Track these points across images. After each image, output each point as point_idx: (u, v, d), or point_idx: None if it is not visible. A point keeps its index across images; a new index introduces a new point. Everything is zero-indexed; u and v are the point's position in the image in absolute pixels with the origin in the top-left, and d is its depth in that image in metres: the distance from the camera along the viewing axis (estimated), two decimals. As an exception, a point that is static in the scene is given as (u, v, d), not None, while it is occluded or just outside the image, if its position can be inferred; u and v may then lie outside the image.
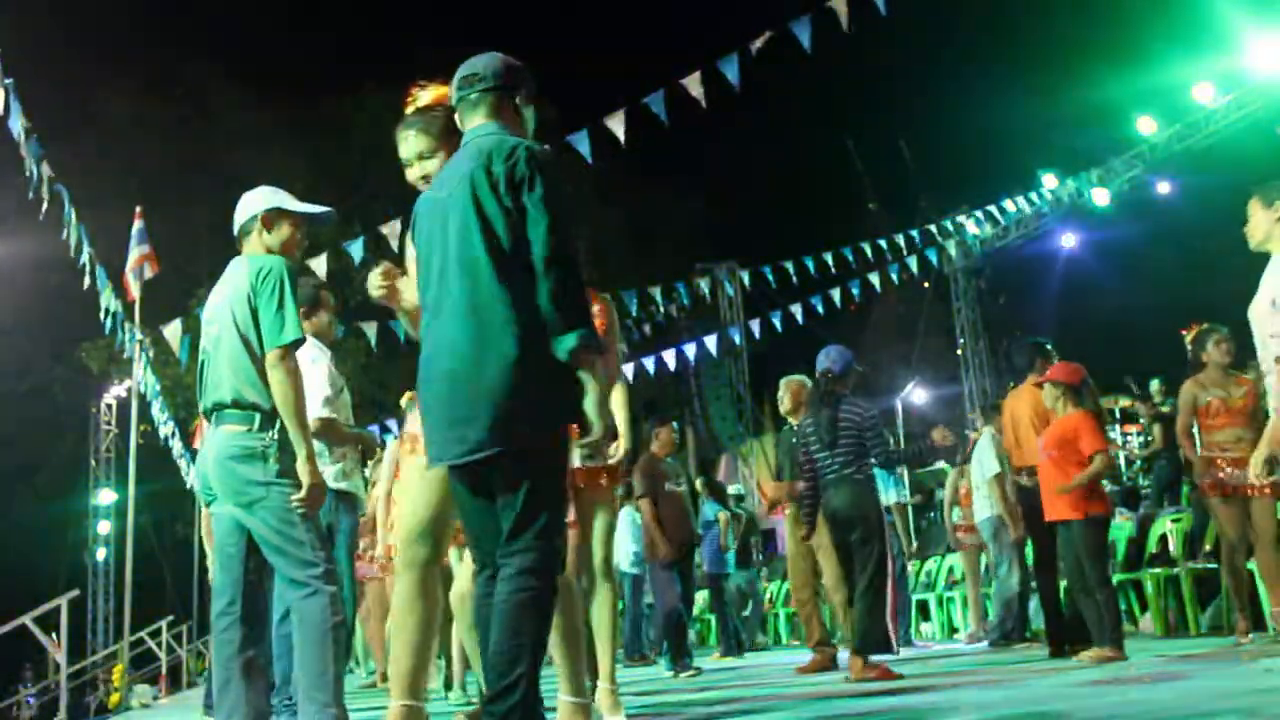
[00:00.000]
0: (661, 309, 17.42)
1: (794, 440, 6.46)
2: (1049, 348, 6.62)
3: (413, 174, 3.22)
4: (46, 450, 25.25)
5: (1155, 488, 10.59)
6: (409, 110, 3.24)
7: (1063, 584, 6.27)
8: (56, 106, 18.96)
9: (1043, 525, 5.97)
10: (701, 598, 11.58)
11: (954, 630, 10.32)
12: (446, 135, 3.18)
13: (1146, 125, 15.92)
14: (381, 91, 19.68)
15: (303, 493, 3.37)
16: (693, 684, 6.58)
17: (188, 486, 16.17)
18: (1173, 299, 18.21)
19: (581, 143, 9.47)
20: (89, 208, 10.82)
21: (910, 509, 12.76)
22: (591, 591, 4.07)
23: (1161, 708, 3.47)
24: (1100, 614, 5.53)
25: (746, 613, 11.47)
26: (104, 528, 24.48)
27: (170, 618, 16.41)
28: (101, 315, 10.85)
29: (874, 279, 16.36)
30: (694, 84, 9.36)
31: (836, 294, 16.37)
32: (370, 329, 12.39)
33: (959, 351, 20.92)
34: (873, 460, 5.68)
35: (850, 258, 15.93)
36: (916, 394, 22.56)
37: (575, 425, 2.71)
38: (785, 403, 7.10)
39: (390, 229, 10.30)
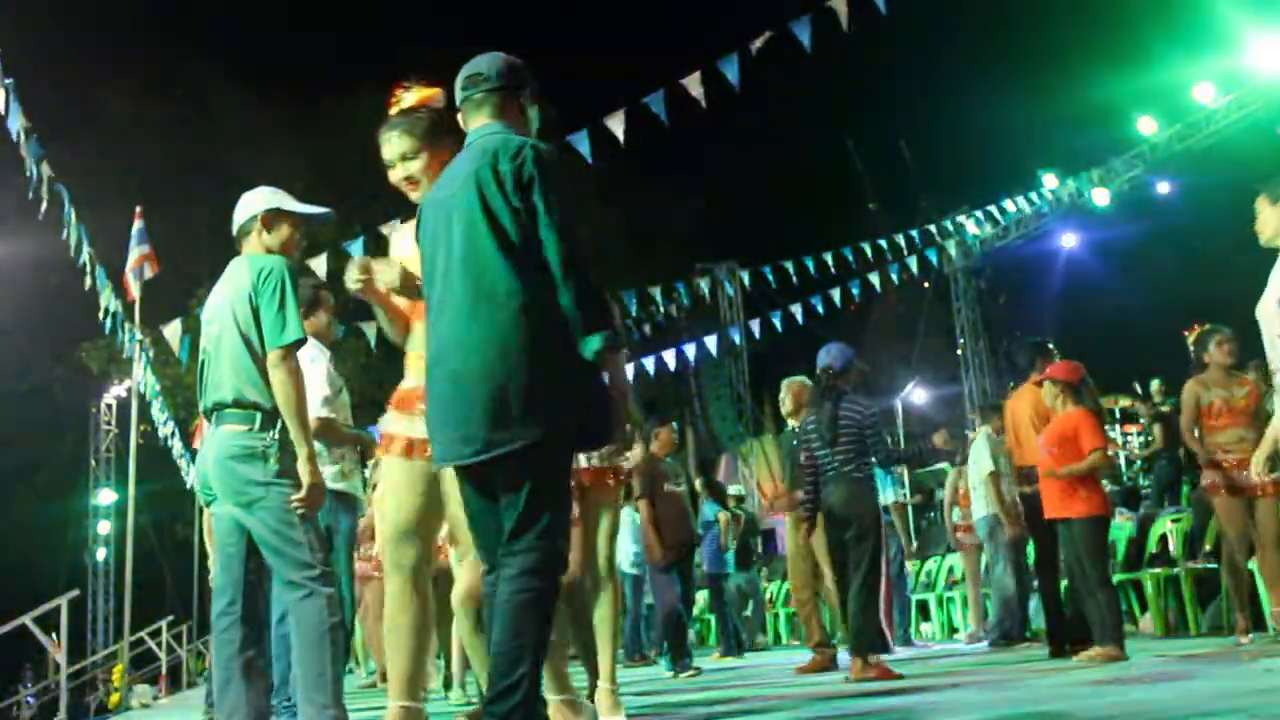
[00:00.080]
0: (661, 309, 17.42)
1: (794, 441, 6.46)
2: (1050, 347, 6.62)
3: (395, 175, 3.23)
4: (46, 450, 25.26)
5: (1155, 488, 10.59)
6: (393, 112, 3.24)
7: (1063, 583, 6.28)
8: (56, 106, 18.99)
9: (1044, 524, 5.98)
10: (701, 598, 11.58)
11: (954, 630, 10.32)
12: (430, 137, 3.19)
13: (1147, 125, 15.91)
14: (381, 91, 19.38)
15: (302, 492, 3.37)
16: (693, 684, 6.58)
17: (188, 486, 16.17)
18: (1173, 299, 18.22)
19: (581, 143, 9.46)
20: (89, 208, 10.82)
21: (910, 509, 12.76)
22: (594, 591, 4.07)
23: (1161, 708, 3.46)
24: (1102, 614, 5.54)
25: (747, 613, 11.48)
26: (104, 528, 24.49)
27: (170, 618, 16.41)
28: (101, 315, 10.85)
29: (874, 279, 16.36)
30: (694, 84, 9.35)
31: (836, 294, 16.37)
32: (370, 329, 12.38)
33: (959, 351, 20.92)
34: (873, 459, 5.68)
35: (850, 258, 15.93)
36: (916, 394, 22.56)
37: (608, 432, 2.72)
38: (787, 404, 7.10)
39: (390, 229, 10.29)
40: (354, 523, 5.03)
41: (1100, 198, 16.84)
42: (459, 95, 2.89)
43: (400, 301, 3.35)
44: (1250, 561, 6.06)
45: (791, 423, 7.05)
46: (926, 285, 22.60)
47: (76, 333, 20.50)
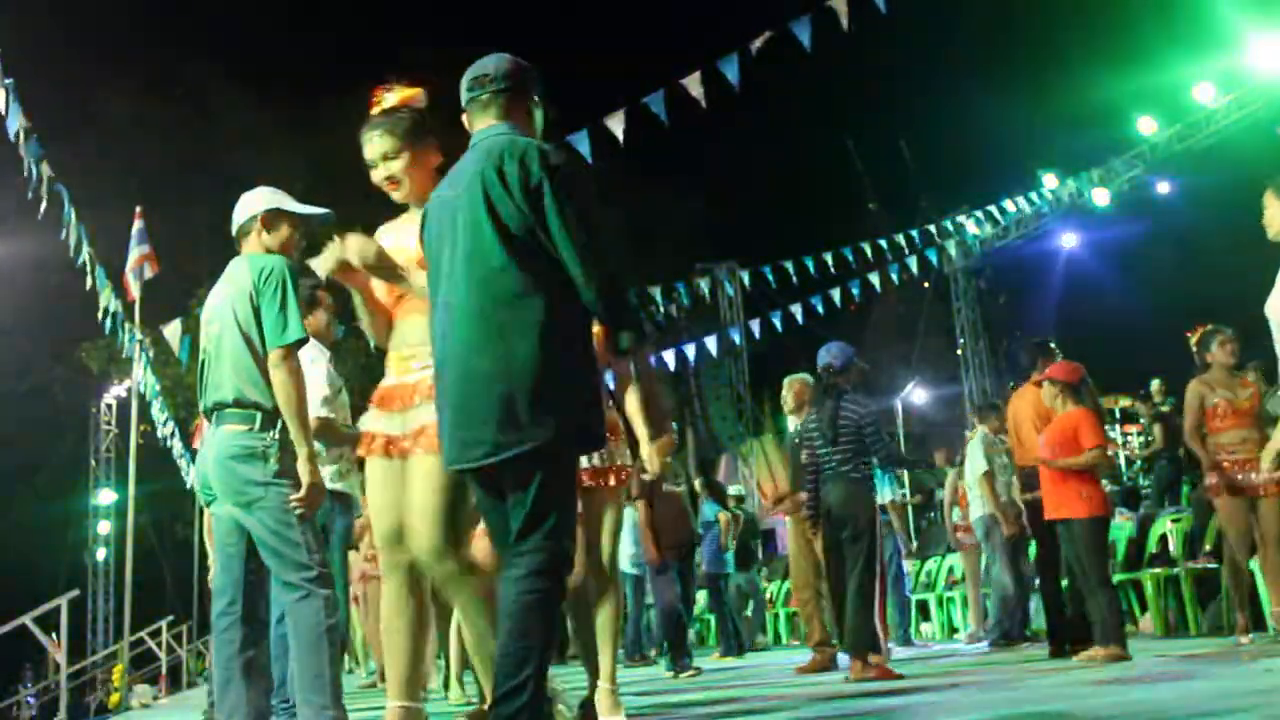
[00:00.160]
0: (661, 309, 17.41)
1: (796, 441, 6.47)
2: (1052, 346, 6.62)
3: (377, 175, 3.23)
4: (46, 450, 25.25)
5: (1155, 488, 10.60)
6: (374, 112, 3.23)
7: (1064, 583, 6.28)
8: (56, 106, 18.98)
9: (1047, 524, 5.98)
10: (701, 598, 11.58)
11: (954, 630, 10.32)
12: (412, 137, 3.18)
13: (1146, 125, 15.90)
14: (381, 92, 19.65)
15: (301, 492, 3.37)
16: (693, 684, 6.58)
17: (188, 486, 16.16)
18: (1173, 299, 18.20)
19: (581, 143, 9.47)
20: (89, 208, 10.82)
21: (910, 509, 12.76)
22: (596, 591, 4.06)
23: (1161, 708, 3.47)
24: (1103, 614, 5.54)
25: (747, 613, 11.47)
26: (104, 528, 24.48)
27: (170, 618, 16.41)
28: (101, 315, 10.85)
29: (874, 279, 16.38)
30: (694, 84, 9.36)
31: (836, 294, 16.38)
32: (371, 329, 12.37)
33: (959, 351, 20.90)
34: (872, 459, 5.68)
35: (850, 258, 15.95)
36: (916, 394, 22.54)
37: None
38: (789, 401, 7.11)
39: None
40: (349, 522, 5.04)
41: (1100, 198, 16.83)
42: (465, 96, 2.88)
43: (380, 292, 3.30)
44: (1250, 561, 6.07)
45: (794, 420, 7.06)
46: (926, 285, 22.58)
47: (76, 333, 20.48)
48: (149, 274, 9.97)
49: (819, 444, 5.75)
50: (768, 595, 12.99)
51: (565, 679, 3.89)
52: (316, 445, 3.92)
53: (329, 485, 4.43)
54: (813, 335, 14.29)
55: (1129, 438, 13.34)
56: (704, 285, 18.06)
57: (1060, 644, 6.18)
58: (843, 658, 6.27)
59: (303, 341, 3.46)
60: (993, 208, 17.74)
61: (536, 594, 2.56)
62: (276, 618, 3.87)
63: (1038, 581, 7.32)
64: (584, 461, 3.95)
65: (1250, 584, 6.17)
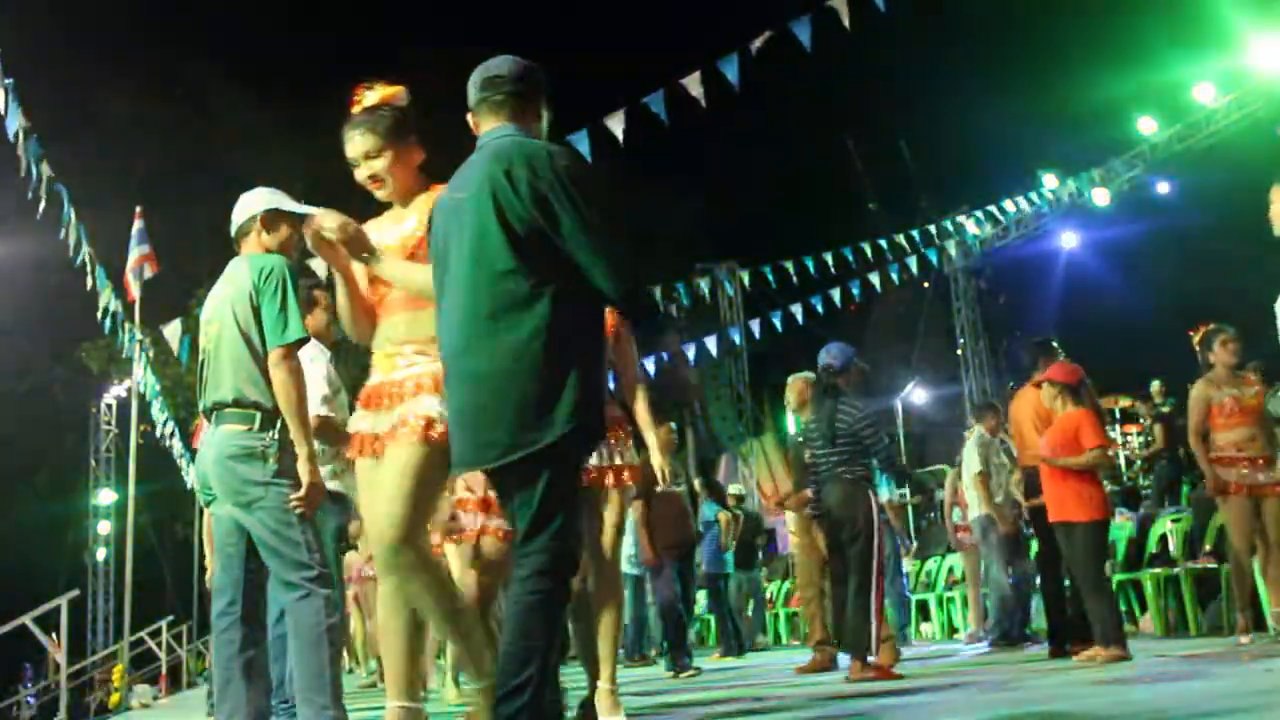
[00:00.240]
0: (661, 309, 17.41)
1: (800, 440, 6.48)
2: (1054, 345, 6.61)
3: (360, 175, 3.21)
4: (46, 450, 25.26)
5: (1155, 488, 10.59)
6: (355, 110, 3.21)
7: (1066, 582, 6.28)
8: (56, 106, 18.99)
9: (1049, 524, 5.99)
10: (701, 598, 11.59)
11: (954, 630, 10.31)
12: (393, 135, 3.17)
13: (1147, 125, 15.90)
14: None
15: (301, 492, 3.37)
16: (693, 684, 6.58)
17: (188, 486, 16.17)
18: (1173, 299, 18.20)
19: (581, 143, 9.46)
20: (89, 208, 10.82)
21: (910, 509, 12.76)
22: (597, 590, 4.06)
23: (1161, 708, 3.47)
24: (1103, 615, 5.55)
25: (748, 612, 11.47)
26: (104, 528, 24.48)
27: (170, 618, 16.40)
28: (101, 315, 10.85)
29: (874, 279, 16.38)
30: (694, 84, 9.36)
31: (836, 294, 16.38)
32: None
33: (959, 351, 20.90)
34: (871, 461, 5.67)
35: (850, 258, 15.95)
36: (916, 394, 22.54)
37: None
38: (791, 400, 7.12)
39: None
40: (344, 522, 5.05)
41: (1100, 198, 16.83)
42: (475, 96, 2.86)
43: (362, 284, 3.27)
44: (1254, 561, 6.06)
45: (800, 418, 7.08)
46: (926, 285, 22.58)
47: (76, 333, 20.49)
48: (149, 274, 9.98)
49: (817, 445, 5.76)
50: (768, 595, 12.99)
51: (565, 679, 3.88)
52: (316, 444, 3.92)
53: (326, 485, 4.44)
54: (813, 335, 14.31)
55: (1129, 438, 13.33)
56: (704, 285, 18.05)
57: (1061, 644, 6.18)
58: (843, 658, 6.27)
59: (303, 341, 3.46)
60: (993, 208, 17.74)
61: (540, 594, 2.56)
62: (275, 617, 3.87)
63: (1039, 580, 7.32)
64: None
65: (1250, 584, 6.16)
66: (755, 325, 17.77)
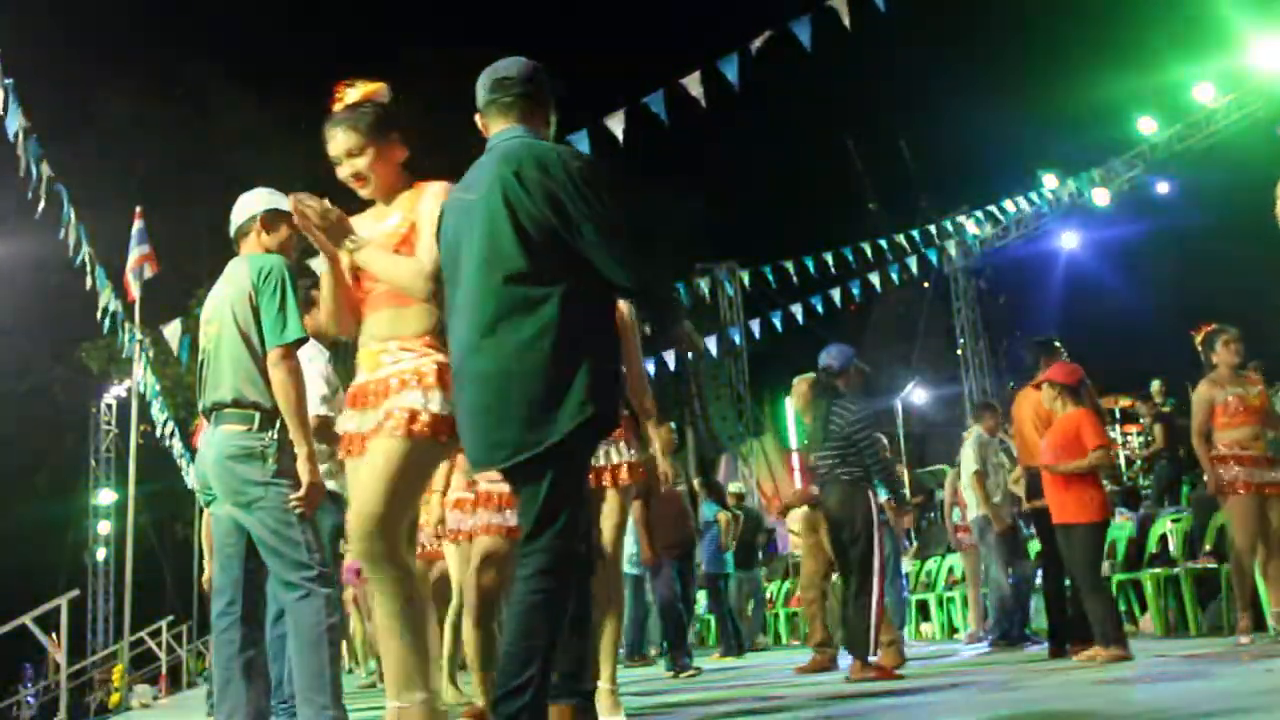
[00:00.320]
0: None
1: (805, 441, 6.52)
2: (1056, 345, 6.61)
3: (343, 172, 3.18)
4: (46, 450, 25.26)
5: (1155, 488, 10.59)
6: (336, 107, 3.20)
7: (1066, 582, 6.28)
8: (56, 106, 18.98)
9: (1050, 525, 5.99)
10: (701, 598, 11.59)
11: (954, 630, 10.31)
12: (375, 132, 3.15)
13: (1146, 125, 15.91)
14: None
15: (301, 491, 3.37)
16: (693, 684, 6.58)
17: (188, 486, 16.17)
18: (1173, 299, 18.20)
19: (581, 143, 9.47)
20: (89, 208, 10.83)
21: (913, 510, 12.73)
22: (597, 591, 4.05)
23: (1161, 708, 3.47)
24: (1101, 615, 5.55)
25: (748, 612, 11.47)
26: (104, 528, 24.50)
27: (170, 618, 16.40)
28: (101, 315, 10.85)
29: (874, 279, 16.38)
30: (694, 84, 9.36)
31: (836, 294, 16.39)
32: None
33: (959, 351, 20.90)
34: (867, 462, 5.67)
35: (850, 258, 15.95)
36: (916, 394, 22.54)
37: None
38: (797, 401, 7.13)
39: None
40: (340, 522, 5.04)
41: (1100, 198, 16.83)
42: (484, 98, 2.86)
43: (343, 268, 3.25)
44: (1256, 561, 6.06)
45: (803, 419, 7.08)
46: (926, 285, 22.58)
47: (76, 333, 20.50)
48: (149, 274, 9.97)
49: (816, 446, 5.77)
50: (768, 595, 12.99)
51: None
52: (316, 444, 3.92)
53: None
54: (813, 335, 14.32)
55: (1129, 438, 13.34)
56: (704, 285, 18.06)
57: (1060, 644, 6.18)
58: (843, 658, 6.27)
59: (302, 341, 3.46)
60: (993, 208, 17.75)
61: (543, 594, 2.55)
62: (273, 617, 3.87)
63: (1039, 580, 7.32)
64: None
65: (1251, 584, 6.16)
66: (755, 325, 17.77)
